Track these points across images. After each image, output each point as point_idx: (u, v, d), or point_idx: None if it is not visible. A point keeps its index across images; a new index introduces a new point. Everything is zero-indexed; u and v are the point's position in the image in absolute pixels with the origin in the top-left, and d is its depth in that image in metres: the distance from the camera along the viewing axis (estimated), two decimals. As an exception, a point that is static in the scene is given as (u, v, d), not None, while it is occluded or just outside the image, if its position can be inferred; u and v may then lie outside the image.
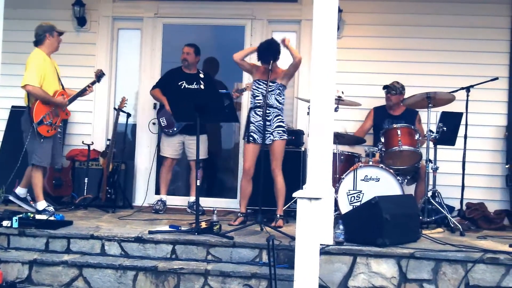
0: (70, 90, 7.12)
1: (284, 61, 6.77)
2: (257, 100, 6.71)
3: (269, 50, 6.60)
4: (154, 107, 8.25)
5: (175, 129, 7.75)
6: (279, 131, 6.66)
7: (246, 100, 8.07)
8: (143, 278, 5.47)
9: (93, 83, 7.24)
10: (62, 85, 7.04)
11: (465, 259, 5.32)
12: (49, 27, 6.90)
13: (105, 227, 6.23)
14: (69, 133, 8.42)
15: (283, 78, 6.71)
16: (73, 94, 7.07)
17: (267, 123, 6.55)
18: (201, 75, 7.79)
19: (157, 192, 8.04)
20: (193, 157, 7.61)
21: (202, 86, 7.71)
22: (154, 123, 8.09)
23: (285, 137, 6.72)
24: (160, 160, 8.03)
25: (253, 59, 6.94)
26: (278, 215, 6.66)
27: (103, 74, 7.36)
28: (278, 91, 6.68)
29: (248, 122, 6.72)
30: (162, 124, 7.83)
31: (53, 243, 5.86)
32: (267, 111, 6.55)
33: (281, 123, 6.69)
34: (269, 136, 6.58)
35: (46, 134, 6.71)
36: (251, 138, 6.71)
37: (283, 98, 6.77)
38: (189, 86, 7.74)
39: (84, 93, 7.15)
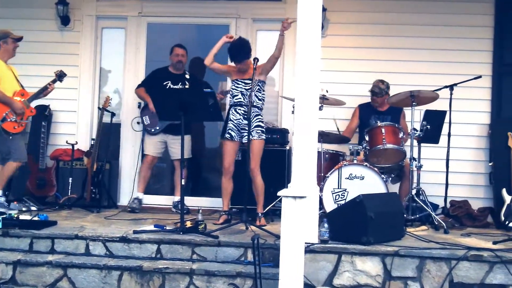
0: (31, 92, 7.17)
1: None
2: (236, 99, 6.76)
3: (241, 50, 6.69)
4: (139, 106, 8.21)
5: (157, 128, 7.72)
6: (258, 131, 6.71)
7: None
8: (128, 278, 5.45)
9: (54, 81, 7.20)
10: (22, 86, 7.14)
11: (449, 257, 5.36)
12: (2, 35, 6.99)
13: (90, 227, 6.21)
14: (53, 132, 8.39)
15: (260, 74, 6.76)
16: (33, 94, 7.13)
17: (246, 122, 6.60)
18: (187, 76, 7.75)
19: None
20: (176, 156, 7.64)
21: (187, 87, 7.68)
22: (138, 122, 8.06)
23: (264, 137, 6.77)
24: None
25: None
26: (259, 214, 6.69)
27: (64, 74, 7.29)
28: (258, 87, 6.72)
29: (227, 119, 6.76)
30: (145, 122, 7.82)
31: (37, 243, 5.82)
32: (251, 111, 6.58)
33: (260, 123, 6.74)
34: (247, 135, 6.61)
35: (13, 130, 6.83)
36: (228, 136, 6.75)
37: (263, 94, 6.83)
38: (174, 87, 7.71)
39: (45, 91, 7.18)
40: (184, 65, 7.83)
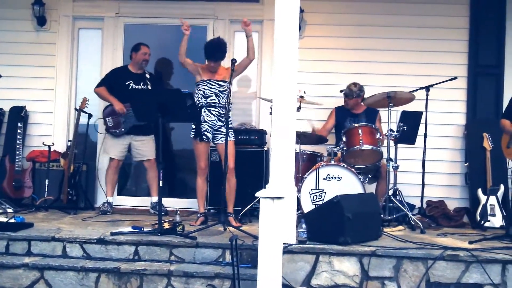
0: None
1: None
2: (210, 99, 6.74)
3: (218, 49, 6.71)
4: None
5: (122, 129, 7.60)
6: (232, 132, 6.76)
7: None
8: (105, 280, 5.42)
9: None
10: None
11: (426, 256, 5.40)
12: None
13: (67, 228, 6.16)
14: (29, 134, 8.32)
15: (234, 76, 6.75)
16: None
17: (221, 123, 6.67)
18: (147, 76, 7.71)
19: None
20: (140, 158, 7.69)
21: (149, 87, 7.63)
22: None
23: (233, 138, 6.79)
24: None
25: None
26: (229, 214, 6.68)
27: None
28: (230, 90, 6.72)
29: (199, 121, 6.73)
30: (108, 124, 7.64)
31: (13, 245, 5.76)
32: (222, 112, 6.67)
33: (231, 124, 6.77)
34: (222, 137, 6.60)
35: None
36: (204, 137, 6.75)
37: (231, 96, 6.83)
38: (136, 87, 7.64)
39: None
40: (147, 64, 7.80)
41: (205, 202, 6.91)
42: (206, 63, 6.87)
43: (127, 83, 7.62)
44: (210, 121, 6.75)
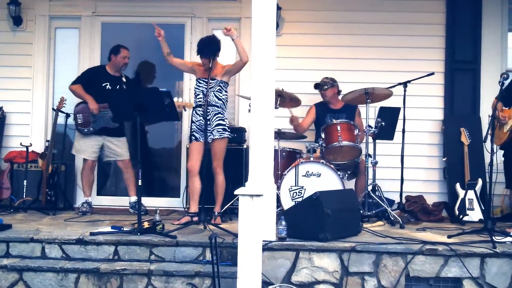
0: None
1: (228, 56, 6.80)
2: (198, 99, 6.71)
3: (209, 46, 6.61)
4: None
5: (91, 129, 7.54)
6: (219, 129, 6.66)
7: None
8: (85, 281, 5.40)
9: None
10: None
11: (405, 251, 5.43)
12: None
13: (46, 229, 6.12)
14: (6, 134, 8.27)
15: (224, 75, 6.71)
16: None
17: (207, 122, 6.56)
18: (124, 79, 7.67)
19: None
20: (114, 158, 7.67)
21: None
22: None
23: (226, 135, 6.71)
24: (101, 160, 7.93)
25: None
26: (216, 213, 6.68)
27: None
28: (218, 87, 6.67)
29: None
30: (78, 120, 7.56)
31: (-9, 247, 5.73)
32: (207, 110, 6.54)
33: (221, 121, 6.68)
34: (210, 136, 6.58)
35: None
36: (193, 137, 6.72)
37: (224, 95, 6.75)
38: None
39: None
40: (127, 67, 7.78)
41: (197, 202, 6.76)
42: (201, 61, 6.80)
43: (103, 84, 7.57)
44: (196, 121, 6.72)
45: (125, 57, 7.64)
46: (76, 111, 7.61)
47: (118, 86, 7.59)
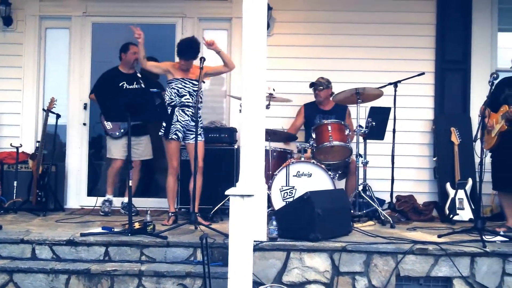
0: None
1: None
2: (184, 99, 6.70)
3: (189, 47, 6.67)
4: (85, 108, 8.16)
5: (122, 130, 7.59)
6: (202, 132, 6.80)
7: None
8: (76, 282, 5.39)
9: None
10: None
11: (396, 251, 5.45)
12: None
13: (36, 230, 6.10)
14: (-4, 135, 8.24)
15: (205, 77, 6.73)
16: None
17: (193, 123, 6.59)
18: (139, 75, 7.68)
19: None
20: (137, 157, 7.67)
21: (142, 85, 7.59)
22: (85, 124, 7.94)
23: (203, 138, 6.84)
24: (92, 160, 7.93)
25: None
26: (196, 213, 6.63)
27: None
28: (201, 90, 6.72)
29: (171, 120, 6.69)
30: (107, 127, 7.67)
31: (-19, 249, 5.71)
32: (198, 111, 6.60)
33: (201, 124, 6.83)
34: (193, 137, 6.57)
35: None
36: (175, 136, 6.71)
37: (201, 95, 6.84)
38: (130, 87, 7.61)
39: None
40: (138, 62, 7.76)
41: (175, 201, 6.88)
42: (177, 61, 6.82)
43: (120, 84, 7.60)
44: (183, 121, 6.71)
45: (135, 52, 7.59)
46: (103, 118, 7.61)
47: (135, 83, 7.62)
